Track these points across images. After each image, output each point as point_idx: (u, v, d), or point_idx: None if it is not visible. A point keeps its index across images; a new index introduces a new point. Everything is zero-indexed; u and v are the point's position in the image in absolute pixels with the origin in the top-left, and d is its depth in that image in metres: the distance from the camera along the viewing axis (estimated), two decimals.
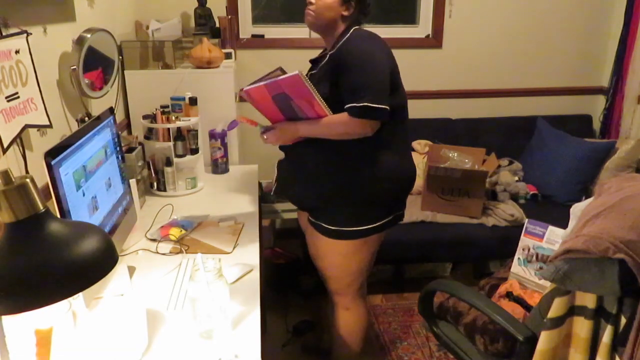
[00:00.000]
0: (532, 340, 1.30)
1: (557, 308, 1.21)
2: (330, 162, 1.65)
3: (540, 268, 1.78)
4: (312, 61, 1.78)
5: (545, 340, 1.23)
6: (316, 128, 1.61)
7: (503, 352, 1.59)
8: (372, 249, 1.81)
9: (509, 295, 1.75)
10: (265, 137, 1.73)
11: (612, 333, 1.15)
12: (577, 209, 1.32)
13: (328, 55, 1.66)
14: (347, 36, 1.63)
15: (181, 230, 1.69)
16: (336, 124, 1.58)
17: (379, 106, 1.53)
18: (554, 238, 1.77)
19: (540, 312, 1.32)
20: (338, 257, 1.77)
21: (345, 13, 1.64)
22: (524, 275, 1.83)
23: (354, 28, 1.65)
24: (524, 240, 1.84)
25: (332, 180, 1.66)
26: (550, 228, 1.79)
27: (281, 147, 1.79)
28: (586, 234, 1.12)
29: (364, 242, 1.74)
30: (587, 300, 1.19)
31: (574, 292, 1.21)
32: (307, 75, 1.64)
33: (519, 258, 1.85)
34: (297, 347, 2.39)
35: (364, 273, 1.86)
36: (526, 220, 1.86)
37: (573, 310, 1.23)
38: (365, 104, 1.52)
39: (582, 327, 1.21)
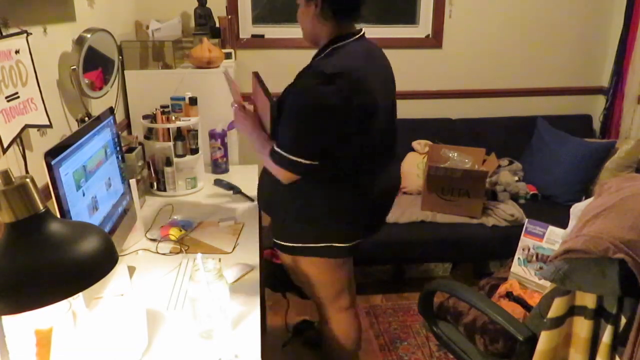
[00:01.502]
0: (532, 340, 1.30)
1: (557, 308, 1.21)
2: (293, 190, 1.54)
3: (541, 268, 1.78)
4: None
5: (545, 340, 1.23)
6: (258, 149, 1.56)
7: (503, 352, 1.59)
8: (347, 265, 1.73)
9: (509, 295, 1.75)
10: (234, 114, 1.66)
11: (612, 333, 1.15)
12: (577, 209, 1.32)
13: (310, 65, 1.52)
14: (333, 48, 1.49)
15: (181, 230, 1.69)
16: (267, 162, 1.52)
17: (308, 162, 1.44)
18: (554, 238, 1.77)
19: (540, 312, 1.32)
20: (315, 276, 1.71)
21: (314, 11, 1.48)
22: (524, 275, 1.83)
23: (349, 41, 1.49)
24: (524, 240, 1.84)
25: (306, 197, 1.55)
26: (550, 228, 1.79)
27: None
28: (586, 234, 1.12)
29: (345, 261, 1.70)
30: (587, 300, 1.19)
31: (574, 292, 1.21)
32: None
33: (519, 258, 1.85)
34: (296, 347, 2.39)
35: (351, 286, 1.79)
36: (526, 220, 1.86)
37: (573, 310, 1.23)
38: (280, 152, 1.45)
39: (582, 327, 1.21)
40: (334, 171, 1.51)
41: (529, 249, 1.82)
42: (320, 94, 1.39)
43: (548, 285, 1.70)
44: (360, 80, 1.43)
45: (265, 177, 1.64)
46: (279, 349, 2.37)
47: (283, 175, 1.50)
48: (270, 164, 1.51)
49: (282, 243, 1.66)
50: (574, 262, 1.13)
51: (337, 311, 1.79)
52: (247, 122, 1.63)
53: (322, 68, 1.41)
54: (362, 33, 1.56)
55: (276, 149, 1.46)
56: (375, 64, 1.56)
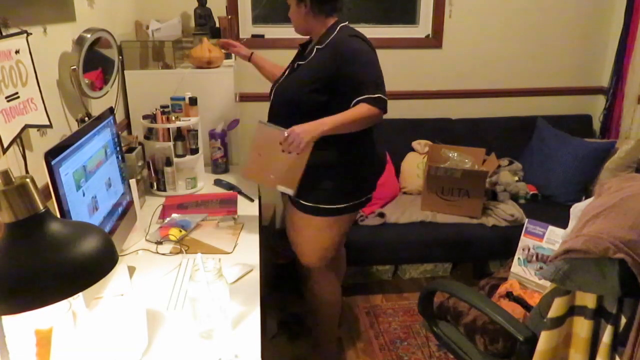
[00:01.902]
0: (532, 340, 1.30)
1: (557, 308, 1.21)
2: (317, 142, 1.70)
3: (541, 268, 1.78)
4: (302, 45, 1.92)
5: (545, 340, 1.23)
6: (342, 123, 1.69)
7: (503, 352, 1.59)
8: (343, 228, 1.93)
9: (509, 295, 1.75)
10: (288, 143, 1.67)
11: (612, 333, 1.15)
12: (577, 209, 1.32)
13: (315, 49, 1.79)
14: (335, 33, 1.78)
15: (181, 231, 1.69)
16: (361, 117, 1.69)
17: (386, 98, 1.71)
18: (554, 238, 1.77)
19: (540, 312, 1.32)
20: (313, 232, 1.90)
21: (305, 10, 1.77)
22: (524, 275, 1.83)
23: (340, 25, 1.80)
24: (524, 240, 1.84)
25: (317, 158, 1.73)
26: (550, 228, 1.79)
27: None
28: (586, 234, 1.12)
29: (337, 219, 1.87)
30: (587, 300, 1.19)
31: (574, 292, 1.21)
32: (295, 66, 1.86)
33: (519, 258, 1.85)
34: (284, 339, 2.42)
35: (335, 249, 1.98)
36: (526, 220, 1.86)
37: (573, 310, 1.23)
38: (380, 95, 1.69)
39: (582, 327, 1.21)
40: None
41: (529, 249, 1.82)
42: (365, 45, 1.77)
43: (548, 285, 1.70)
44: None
45: None
46: (267, 341, 2.37)
47: (378, 118, 1.71)
48: (364, 118, 1.69)
49: (307, 204, 1.83)
50: (574, 262, 1.13)
51: (330, 270, 2.04)
52: (306, 130, 1.67)
53: (346, 31, 1.79)
54: (346, 23, 1.84)
55: (366, 96, 1.68)
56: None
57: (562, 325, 1.23)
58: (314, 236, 1.91)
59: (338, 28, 1.79)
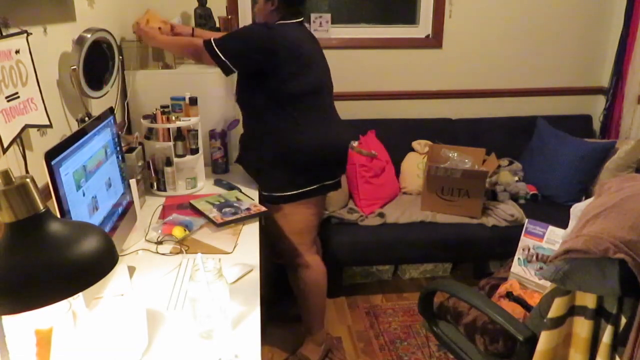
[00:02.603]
0: (532, 340, 1.30)
1: (557, 308, 1.21)
2: (263, 133, 1.99)
3: (541, 268, 1.78)
4: None
5: (545, 340, 1.23)
6: (167, 43, 2.10)
7: (503, 352, 1.59)
8: (310, 210, 2.06)
9: (509, 295, 1.75)
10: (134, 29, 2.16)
11: (612, 333, 1.15)
12: (577, 209, 1.32)
13: None
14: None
15: (185, 231, 1.69)
16: (185, 42, 2.07)
17: (222, 56, 1.88)
18: (554, 238, 1.77)
19: (540, 312, 1.32)
20: (280, 220, 2.05)
21: (271, 8, 1.92)
22: (524, 275, 1.83)
23: (287, 21, 1.95)
24: (524, 240, 1.84)
25: (265, 150, 1.99)
26: (550, 228, 1.79)
27: (242, 123, 2.14)
28: (586, 234, 1.12)
29: (298, 204, 2.01)
30: (587, 300, 1.19)
31: (574, 292, 1.21)
32: None
33: (519, 258, 1.85)
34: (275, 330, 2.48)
35: (310, 231, 2.11)
36: (526, 220, 1.86)
37: (573, 310, 1.23)
38: (214, 42, 1.89)
39: (582, 327, 1.21)
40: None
41: (529, 249, 1.82)
42: (259, 24, 1.97)
43: (548, 285, 1.69)
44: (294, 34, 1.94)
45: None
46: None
47: (195, 57, 2.07)
48: (188, 46, 2.08)
49: (263, 193, 2.04)
50: (574, 262, 1.13)
51: (314, 253, 2.16)
52: (146, 32, 2.14)
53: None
54: (301, 20, 2.01)
55: (210, 40, 1.93)
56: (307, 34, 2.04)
57: (562, 325, 1.23)
58: (282, 224, 2.05)
59: (281, 22, 1.95)
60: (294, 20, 1.96)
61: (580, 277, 1.13)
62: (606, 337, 1.16)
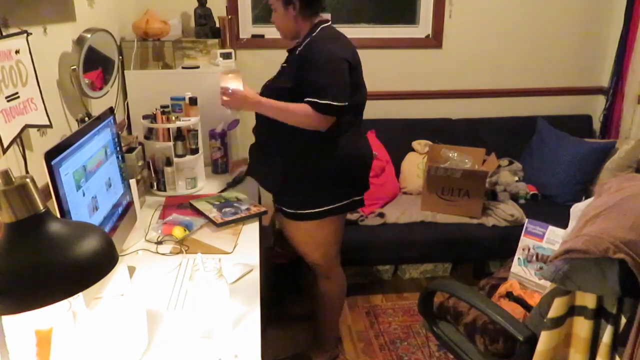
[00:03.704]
0: (532, 340, 1.30)
1: (557, 308, 1.21)
2: (292, 147, 1.80)
3: (541, 268, 1.78)
4: (289, 51, 1.89)
5: (545, 340, 1.23)
6: (277, 110, 1.75)
7: (503, 352, 1.59)
8: (334, 225, 1.95)
9: (509, 295, 1.75)
10: (225, 97, 1.78)
11: (612, 333, 1.15)
12: (577, 209, 1.32)
13: (297, 52, 1.80)
14: (312, 35, 1.78)
15: (185, 231, 1.69)
16: (297, 113, 1.71)
17: (338, 104, 1.69)
18: (554, 238, 1.77)
19: (540, 312, 1.32)
20: (303, 236, 1.95)
21: (294, 13, 1.78)
22: (524, 275, 1.83)
23: (320, 27, 1.80)
24: (524, 240, 1.84)
25: (292, 163, 1.81)
26: (550, 228, 1.79)
27: (255, 132, 1.94)
28: (586, 234, 1.12)
29: (322, 221, 1.88)
30: (587, 300, 1.19)
31: (574, 292, 1.21)
32: (280, 69, 1.86)
33: (519, 258, 1.85)
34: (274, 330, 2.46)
35: (334, 245, 2.02)
36: (526, 220, 1.86)
37: (573, 310, 1.23)
38: (329, 102, 1.68)
39: (582, 327, 1.21)
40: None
41: (529, 249, 1.82)
42: (332, 46, 1.75)
43: (548, 285, 1.69)
44: (351, 45, 1.81)
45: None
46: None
47: (319, 123, 1.72)
48: (301, 116, 1.71)
49: (288, 210, 1.89)
50: (574, 262, 1.13)
51: (338, 264, 2.10)
52: (246, 97, 1.77)
53: (321, 33, 1.78)
54: (329, 22, 1.85)
55: (314, 99, 1.68)
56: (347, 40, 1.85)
57: (562, 325, 1.23)
58: (307, 238, 1.95)
59: (319, 29, 1.79)
60: (329, 21, 1.84)
61: (580, 277, 1.13)
62: (606, 337, 1.16)
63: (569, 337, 1.25)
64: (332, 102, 1.67)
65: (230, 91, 1.76)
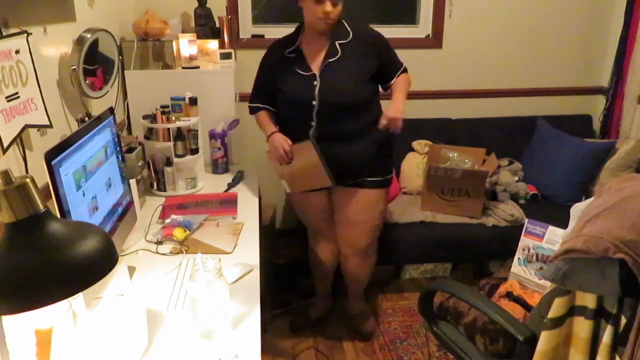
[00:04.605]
0: (532, 340, 1.30)
1: (557, 308, 1.21)
2: (370, 123, 1.98)
3: (541, 268, 1.78)
4: (335, 36, 1.98)
5: (545, 340, 1.23)
6: (406, 93, 2.07)
7: (503, 352, 1.59)
8: None
9: (509, 295, 1.75)
10: (394, 126, 1.95)
11: (612, 333, 1.15)
12: (577, 209, 1.32)
13: (339, 44, 1.94)
14: (349, 25, 1.99)
15: (185, 231, 1.69)
16: (409, 84, 2.12)
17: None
18: (554, 238, 1.77)
19: (540, 312, 1.32)
20: (384, 203, 2.18)
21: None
22: (524, 275, 1.83)
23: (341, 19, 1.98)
24: (524, 241, 1.84)
25: (372, 135, 1.99)
26: (550, 228, 1.78)
27: (338, 137, 1.97)
28: (586, 234, 1.12)
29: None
30: (588, 300, 1.19)
31: (574, 292, 1.21)
32: (328, 60, 1.93)
33: (519, 258, 1.85)
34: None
35: None
36: (526, 220, 1.86)
37: (573, 311, 1.23)
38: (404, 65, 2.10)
39: (582, 327, 1.21)
40: None
41: (529, 249, 1.82)
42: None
43: (548, 285, 1.69)
44: None
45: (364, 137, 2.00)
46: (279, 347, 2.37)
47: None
48: (409, 83, 2.13)
49: (380, 178, 2.09)
50: (574, 262, 1.13)
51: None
52: (399, 109, 1.99)
53: (352, 21, 2.02)
54: None
55: (402, 66, 2.13)
56: None
57: (562, 325, 1.23)
58: (383, 207, 2.18)
59: (343, 21, 1.96)
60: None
61: (580, 277, 1.13)
62: (606, 337, 1.16)
63: (569, 337, 1.25)
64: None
65: (395, 120, 1.94)
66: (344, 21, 1.97)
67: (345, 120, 1.93)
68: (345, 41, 1.94)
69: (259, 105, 2.06)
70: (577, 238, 1.12)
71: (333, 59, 1.92)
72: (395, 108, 1.95)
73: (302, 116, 1.92)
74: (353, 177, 2.05)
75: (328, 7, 1.84)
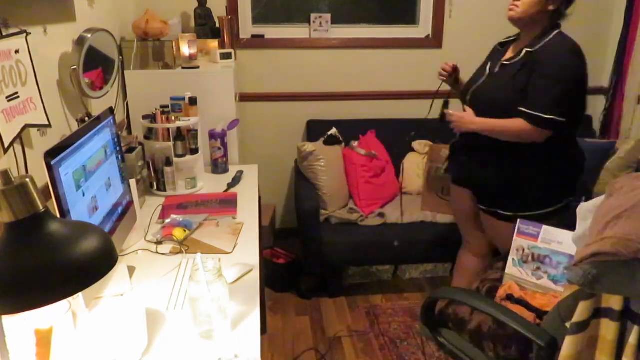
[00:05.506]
0: (553, 345, 1.28)
1: (582, 312, 1.18)
2: (522, 154, 1.82)
3: (538, 268, 1.77)
4: (501, 44, 1.97)
5: (570, 345, 1.20)
6: (491, 128, 1.82)
7: (517, 357, 1.55)
8: None
9: (509, 297, 1.74)
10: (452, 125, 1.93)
11: (638, 334, 1.13)
12: (583, 209, 1.30)
13: (525, 51, 1.78)
14: (549, 37, 1.76)
15: (185, 231, 1.69)
16: (513, 130, 1.77)
17: (563, 120, 1.69)
18: (549, 238, 1.75)
19: (560, 316, 1.29)
20: (510, 233, 1.92)
21: (552, 7, 1.74)
22: (520, 276, 1.81)
23: (557, 31, 1.77)
24: (517, 241, 1.81)
25: (521, 170, 1.85)
26: (545, 227, 1.76)
27: (471, 139, 1.93)
28: (613, 236, 1.10)
29: None
30: (613, 302, 1.17)
31: (599, 294, 1.19)
32: (497, 67, 1.89)
33: (513, 259, 1.83)
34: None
35: None
36: (518, 221, 1.84)
37: (598, 313, 1.20)
38: (553, 117, 1.69)
39: (608, 329, 1.19)
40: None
41: (523, 250, 1.81)
42: (574, 61, 1.75)
43: (548, 285, 1.69)
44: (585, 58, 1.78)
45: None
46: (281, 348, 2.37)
47: (537, 137, 1.75)
48: (516, 132, 1.76)
49: (504, 213, 1.94)
50: (603, 265, 1.11)
51: None
52: (462, 121, 1.90)
53: (562, 40, 1.77)
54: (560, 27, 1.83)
55: (537, 113, 1.71)
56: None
57: (587, 329, 1.21)
58: (510, 235, 1.94)
59: (554, 34, 1.76)
60: (560, 26, 1.81)
61: (609, 279, 1.11)
62: (632, 338, 1.13)
63: (593, 340, 1.22)
64: (556, 117, 1.69)
65: (455, 117, 1.91)
66: (554, 34, 1.78)
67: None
68: (532, 49, 1.79)
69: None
70: (604, 241, 1.10)
71: (508, 62, 1.89)
72: (465, 116, 1.89)
73: None
74: (483, 194, 2.05)
75: None
